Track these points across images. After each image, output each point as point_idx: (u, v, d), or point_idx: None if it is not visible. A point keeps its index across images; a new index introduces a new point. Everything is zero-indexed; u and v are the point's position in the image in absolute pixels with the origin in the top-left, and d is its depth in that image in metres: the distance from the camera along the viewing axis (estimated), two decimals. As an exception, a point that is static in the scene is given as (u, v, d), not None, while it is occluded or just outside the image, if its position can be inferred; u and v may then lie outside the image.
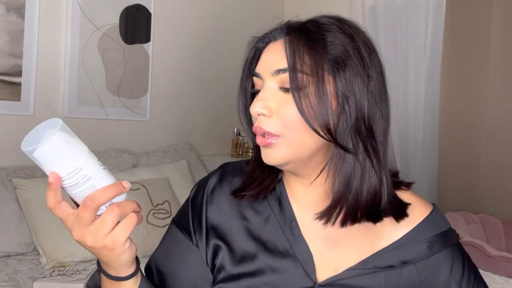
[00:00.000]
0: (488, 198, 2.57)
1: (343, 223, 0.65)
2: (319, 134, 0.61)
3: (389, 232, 0.69)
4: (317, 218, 0.66)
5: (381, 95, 0.64)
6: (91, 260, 1.97)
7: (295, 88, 0.61)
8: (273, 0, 3.61)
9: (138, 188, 2.22)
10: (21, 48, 2.25)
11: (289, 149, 0.63)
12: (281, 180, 0.73)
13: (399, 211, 0.68)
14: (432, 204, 0.73)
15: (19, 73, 2.24)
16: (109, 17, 2.58)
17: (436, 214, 0.71)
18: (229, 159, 3.00)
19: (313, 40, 0.62)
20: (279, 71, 0.63)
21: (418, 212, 0.70)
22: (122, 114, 2.67)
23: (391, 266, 0.67)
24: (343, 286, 0.67)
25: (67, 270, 1.67)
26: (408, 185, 0.73)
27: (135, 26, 2.71)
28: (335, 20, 0.66)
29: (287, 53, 0.62)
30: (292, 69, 0.61)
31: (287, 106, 0.62)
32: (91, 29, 2.50)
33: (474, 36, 2.61)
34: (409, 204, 0.70)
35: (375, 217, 0.65)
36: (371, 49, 0.66)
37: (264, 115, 0.63)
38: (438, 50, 2.77)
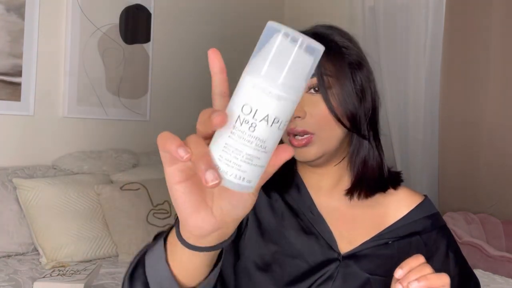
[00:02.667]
0: (488, 198, 2.57)
1: (367, 195, 0.78)
2: (345, 127, 0.74)
3: (393, 211, 0.80)
4: (345, 194, 0.78)
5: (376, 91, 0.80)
6: (91, 260, 1.97)
7: (324, 90, 0.72)
8: None
9: (138, 188, 2.22)
10: (21, 48, 2.25)
11: (322, 145, 0.74)
12: (295, 172, 0.84)
13: (396, 181, 0.81)
14: (424, 194, 0.86)
15: (19, 73, 2.24)
16: (109, 17, 2.58)
17: (428, 199, 0.84)
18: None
19: (330, 48, 0.73)
20: None
21: (415, 197, 0.83)
22: (122, 114, 2.67)
23: (401, 237, 0.78)
24: (363, 256, 0.76)
25: (67, 270, 1.67)
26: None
27: (135, 26, 2.71)
28: (335, 29, 0.78)
29: None
30: (319, 74, 0.72)
31: (318, 106, 0.73)
32: (91, 29, 2.50)
33: (474, 36, 2.61)
34: (401, 171, 0.83)
35: (384, 187, 0.79)
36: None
37: (300, 117, 0.73)
38: (438, 50, 2.77)
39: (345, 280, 0.74)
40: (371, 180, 0.78)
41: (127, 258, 2.03)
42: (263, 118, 0.36)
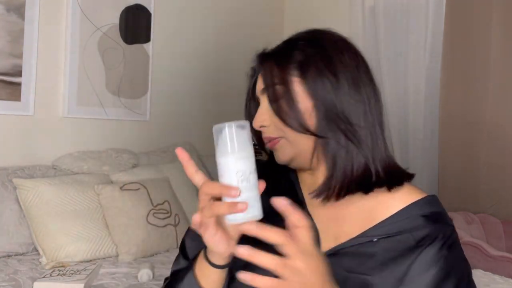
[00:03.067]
0: (488, 198, 2.58)
1: (338, 197, 0.75)
2: (300, 132, 0.73)
3: (386, 208, 0.76)
4: (314, 196, 0.76)
5: (355, 84, 0.74)
6: (91, 260, 1.97)
7: (272, 101, 0.75)
8: None
9: (138, 188, 2.22)
10: (21, 48, 2.25)
11: (291, 147, 0.76)
12: (293, 170, 0.84)
13: (393, 181, 0.76)
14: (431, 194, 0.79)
15: (19, 73, 2.24)
16: (109, 17, 2.59)
17: (432, 198, 0.77)
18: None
19: (279, 55, 0.76)
20: (263, 90, 0.77)
21: (415, 193, 0.77)
22: (122, 114, 2.67)
23: (388, 236, 0.74)
24: (344, 254, 0.74)
25: (67, 270, 1.67)
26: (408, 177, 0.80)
27: (135, 26, 2.71)
28: (304, 32, 0.79)
29: (262, 75, 0.77)
30: (267, 86, 0.76)
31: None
32: (91, 29, 2.50)
33: (474, 36, 2.61)
34: (404, 169, 0.78)
35: (366, 189, 0.75)
36: (342, 46, 0.76)
37: (264, 126, 0.77)
38: (438, 50, 2.77)
39: None
40: (341, 181, 0.74)
41: (127, 258, 2.03)
42: (250, 172, 0.60)
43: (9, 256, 1.96)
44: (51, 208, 2.01)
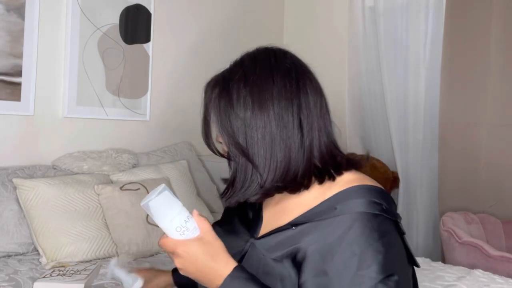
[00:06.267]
0: (488, 198, 2.58)
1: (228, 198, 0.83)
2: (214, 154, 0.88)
3: (317, 198, 0.80)
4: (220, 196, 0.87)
5: (254, 109, 0.79)
6: (91, 260, 1.97)
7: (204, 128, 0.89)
8: None
9: (138, 188, 2.22)
10: (21, 48, 2.25)
11: None
12: None
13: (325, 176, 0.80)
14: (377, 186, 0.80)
15: (19, 73, 2.24)
16: (109, 17, 2.59)
17: (376, 190, 0.78)
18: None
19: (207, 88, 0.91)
20: None
21: (355, 182, 0.79)
22: (122, 114, 2.67)
23: (296, 224, 0.79)
24: (269, 239, 0.82)
25: (67, 270, 1.67)
26: (356, 164, 0.83)
27: (135, 26, 2.71)
28: (240, 60, 0.90)
29: None
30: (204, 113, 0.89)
31: None
32: (91, 29, 2.50)
33: (474, 36, 2.61)
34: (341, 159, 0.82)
35: (292, 191, 0.81)
36: (243, 75, 0.83)
37: (220, 142, 0.87)
38: (438, 50, 2.77)
39: (248, 260, 0.83)
40: (239, 191, 0.81)
41: (127, 258, 2.03)
42: (185, 221, 0.76)
43: (9, 256, 1.96)
44: (51, 208, 2.01)
